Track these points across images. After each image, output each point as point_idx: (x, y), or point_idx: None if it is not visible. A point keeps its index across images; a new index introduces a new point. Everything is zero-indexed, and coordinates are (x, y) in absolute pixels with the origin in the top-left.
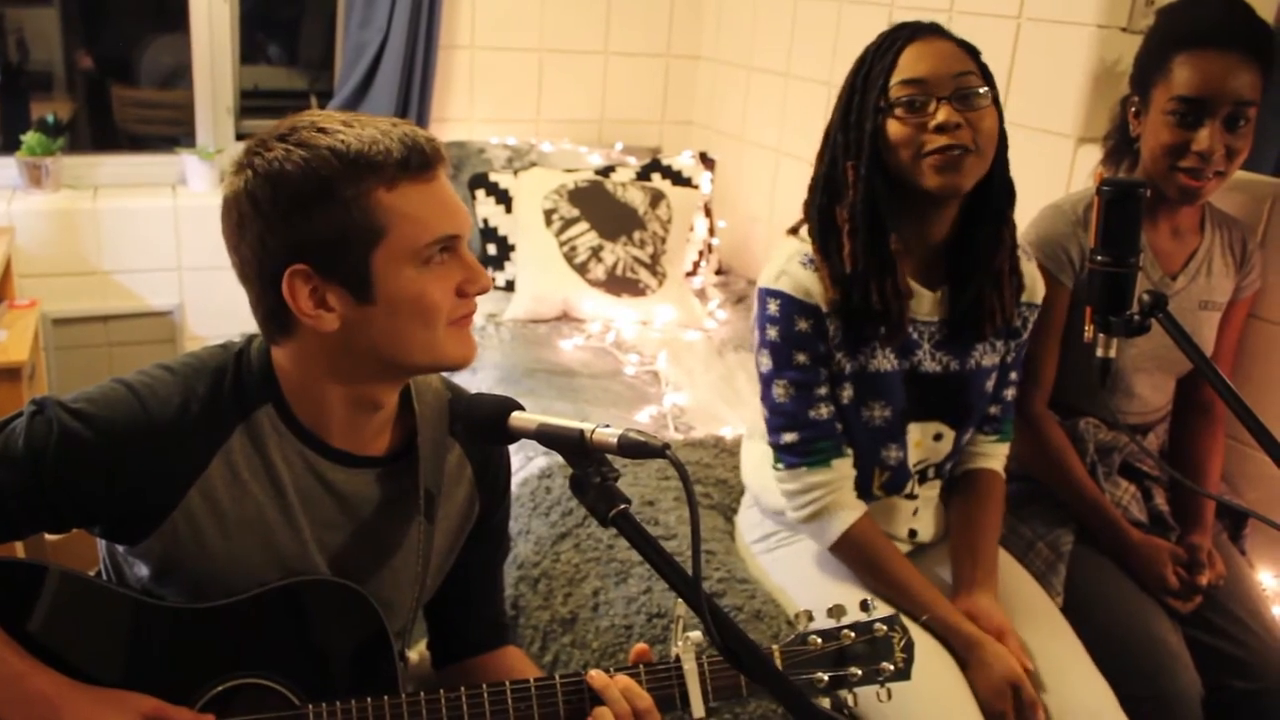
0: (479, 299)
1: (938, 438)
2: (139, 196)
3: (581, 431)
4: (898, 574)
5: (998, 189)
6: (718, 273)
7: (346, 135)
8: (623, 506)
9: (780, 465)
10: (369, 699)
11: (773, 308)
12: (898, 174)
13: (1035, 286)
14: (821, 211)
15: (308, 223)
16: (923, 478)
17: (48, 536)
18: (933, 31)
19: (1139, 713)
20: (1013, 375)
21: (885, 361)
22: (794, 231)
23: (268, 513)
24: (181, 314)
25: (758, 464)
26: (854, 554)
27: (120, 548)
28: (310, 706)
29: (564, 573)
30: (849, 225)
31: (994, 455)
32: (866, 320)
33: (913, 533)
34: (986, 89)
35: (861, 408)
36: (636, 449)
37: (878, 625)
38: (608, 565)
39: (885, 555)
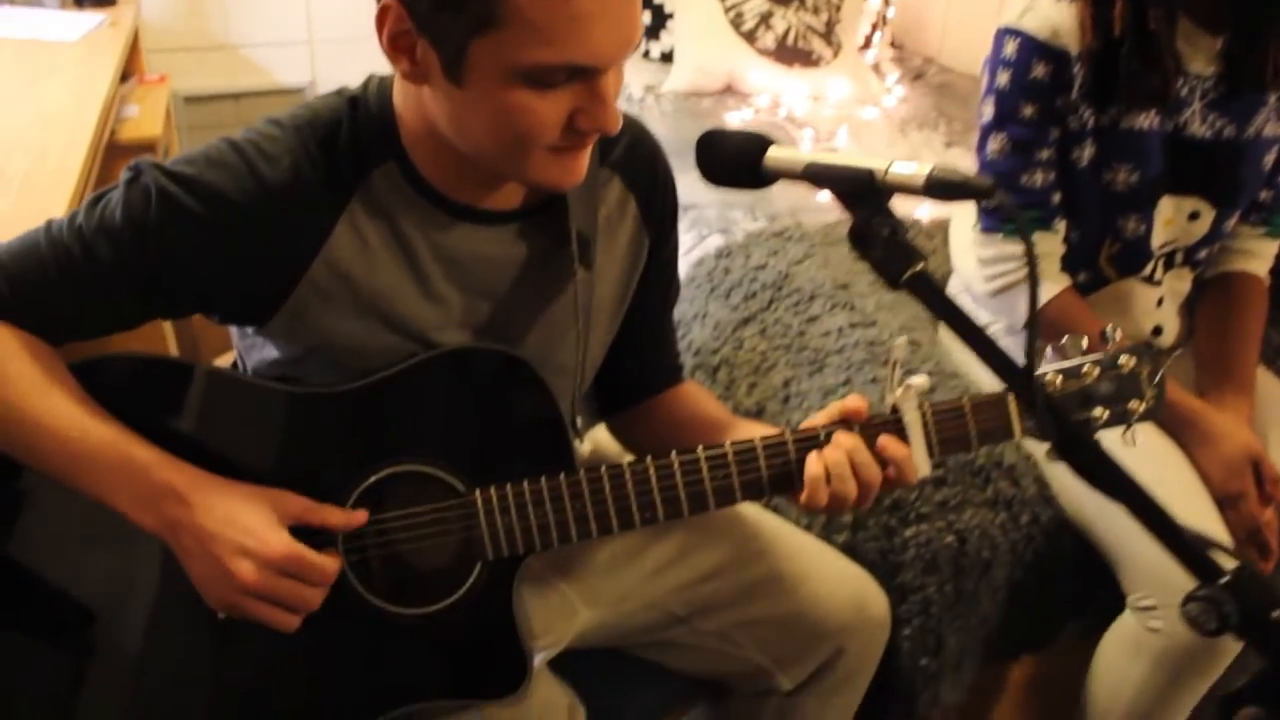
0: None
1: (1194, 216)
2: None
3: (871, 170)
4: None
5: None
6: (892, 45)
7: None
8: (919, 266)
9: (979, 227)
10: (543, 478)
11: (1009, 49)
12: None
13: None
14: None
15: None
16: (1169, 263)
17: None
18: None
19: None
20: None
21: (1144, 119)
22: None
23: (403, 282)
24: (314, 91)
25: (968, 246)
26: (1050, 334)
27: (248, 329)
28: (478, 492)
29: (748, 360)
30: None
31: (1259, 254)
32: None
33: (1157, 330)
34: None
35: (1104, 169)
36: (954, 189)
37: (1124, 358)
38: (799, 354)
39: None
